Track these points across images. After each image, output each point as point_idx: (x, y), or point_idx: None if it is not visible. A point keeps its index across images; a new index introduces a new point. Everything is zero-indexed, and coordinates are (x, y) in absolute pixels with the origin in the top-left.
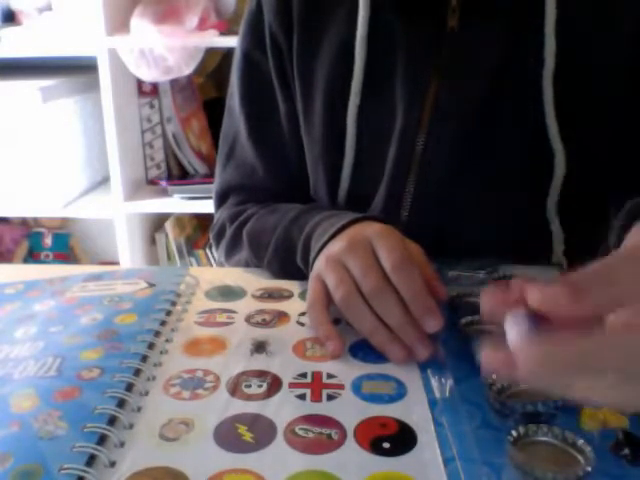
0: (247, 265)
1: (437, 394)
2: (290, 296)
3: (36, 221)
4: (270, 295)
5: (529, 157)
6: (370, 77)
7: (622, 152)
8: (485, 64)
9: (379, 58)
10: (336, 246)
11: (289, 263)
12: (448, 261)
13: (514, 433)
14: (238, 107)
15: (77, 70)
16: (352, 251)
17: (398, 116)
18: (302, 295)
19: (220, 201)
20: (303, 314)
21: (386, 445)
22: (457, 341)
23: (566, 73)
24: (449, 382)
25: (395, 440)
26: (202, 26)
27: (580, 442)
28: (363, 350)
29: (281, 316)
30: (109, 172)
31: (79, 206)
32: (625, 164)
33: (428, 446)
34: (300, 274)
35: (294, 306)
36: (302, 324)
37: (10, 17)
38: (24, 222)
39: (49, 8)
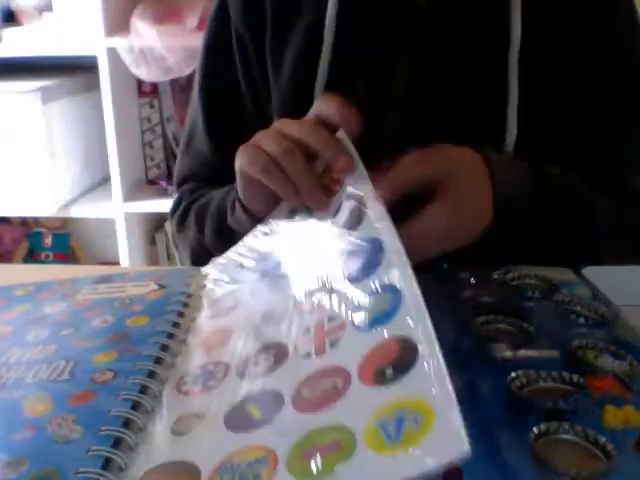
0: (193, 251)
1: None
2: None
3: (36, 221)
4: None
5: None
6: (338, 60)
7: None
8: (453, 45)
9: (347, 39)
10: None
11: (222, 226)
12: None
13: (535, 430)
14: (197, 96)
15: (77, 70)
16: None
17: (364, 100)
18: None
19: (178, 186)
20: None
21: (389, 372)
22: (473, 341)
23: (531, 56)
24: None
25: (397, 363)
26: (202, 26)
27: (602, 440)
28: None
29: None
30: (109, 172)
31: (79, 206)
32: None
33: (430, 357)
34: (232, 238)
35: None
36: None
37: (10, 17)
38: (24, 222)
39: (49, 8)
